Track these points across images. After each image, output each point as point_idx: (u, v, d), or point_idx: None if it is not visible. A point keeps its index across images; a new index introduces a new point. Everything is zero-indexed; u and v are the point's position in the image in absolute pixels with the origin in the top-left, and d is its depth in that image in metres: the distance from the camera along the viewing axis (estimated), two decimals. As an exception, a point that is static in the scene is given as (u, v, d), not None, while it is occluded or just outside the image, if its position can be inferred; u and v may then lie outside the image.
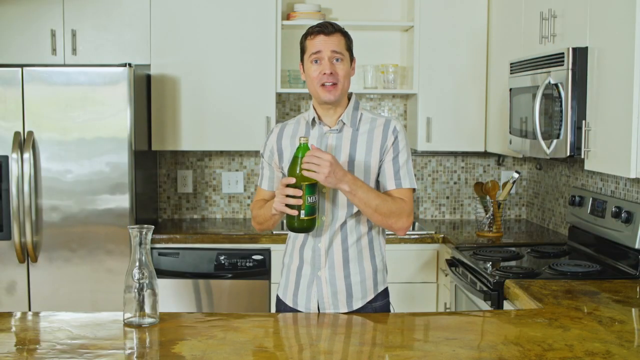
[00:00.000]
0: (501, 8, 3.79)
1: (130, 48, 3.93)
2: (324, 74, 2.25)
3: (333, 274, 2.33)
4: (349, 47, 2.31)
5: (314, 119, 2.34)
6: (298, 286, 2.38)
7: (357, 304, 2.34)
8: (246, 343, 1.89)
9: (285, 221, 2.23)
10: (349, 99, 2.37)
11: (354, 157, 2.30)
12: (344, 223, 2.31)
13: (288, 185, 2.13)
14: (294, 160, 2.15)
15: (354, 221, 2.32)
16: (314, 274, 2.35)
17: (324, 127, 2.33)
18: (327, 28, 2.27)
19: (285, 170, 2.34)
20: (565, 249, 3.32)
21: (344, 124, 2.32)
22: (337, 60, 2.26)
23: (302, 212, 2.14)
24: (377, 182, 2.34)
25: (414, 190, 2.33)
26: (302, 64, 2.35)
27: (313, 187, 2.14)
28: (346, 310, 2.33)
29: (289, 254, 2.43)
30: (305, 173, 2.12)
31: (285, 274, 2.44)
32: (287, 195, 2.12)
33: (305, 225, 2.18)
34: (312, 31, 2.28)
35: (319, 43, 2.26)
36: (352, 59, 2.33)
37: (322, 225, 2.31)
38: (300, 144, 2.14)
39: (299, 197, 2.11)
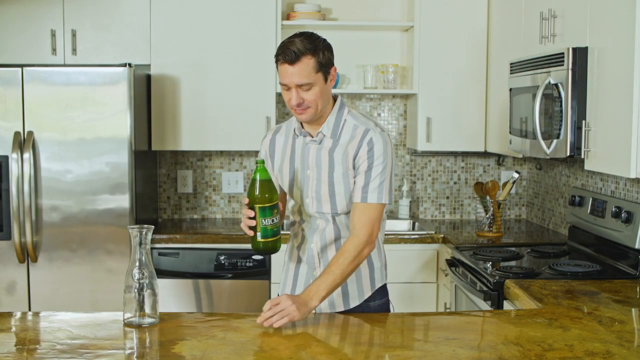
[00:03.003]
0: (501, 8, 3.79)
1: (130, 48, 3.93)
2: (293, 103, 2.18)
3: None
4: (321, 64, 2.15)
5: (295, 130, 2.31)
6: (295, 284, 2.39)
7: (354, 302, 2.33)
8: (246, 343, 1.89)
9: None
10: (334, 100, 2.30)
11: (332, 170, 2.25)
12: (333, 221, 2.29)
13: (248, 206, 2.13)
14: (252, 182, 2.13)
15: (344, 218, 2.30)
16: (310, 274, 2.35)
17: (307, 138, 2.29)
18: (290, 55, 2.10)
19: (279, 176, 2.36)
20: (565, 249, 3.32)
21: (324, 135, 2.27)
22: (305, 89, 2.15)
23: (258, 234, 2.12)
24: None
25: (385, 205, 2.23)
26: None
27: (267, 209, 2.10)
28: (342, 309, 2.32)
29: (288, 253, 2.45)
30: (277, 324, 2.04)
31: (285, 272, 2.46)
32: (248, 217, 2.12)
33: (262, 247, 2.14)
34: (278, 58, 2.15)
35: (285, 74, 2.14)
36: (327, 72, 2.18)
37: (317, 227, 2.30)
38: (257, 166, 2.12)
39: (253, 218, 2.11)
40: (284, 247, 2.50)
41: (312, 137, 2.28)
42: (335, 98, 2.31)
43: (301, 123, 2.29)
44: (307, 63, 2.12)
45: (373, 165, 2.21)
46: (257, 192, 2.11)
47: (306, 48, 2.12)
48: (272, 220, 2.12)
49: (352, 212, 2.24)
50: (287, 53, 2.12)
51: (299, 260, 2.39)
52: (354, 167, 2.23)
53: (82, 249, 3.59)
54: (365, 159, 2.21)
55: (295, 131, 2.32)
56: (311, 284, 2.15)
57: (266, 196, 2.11)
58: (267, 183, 2.12)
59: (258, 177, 2.11)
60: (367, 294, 2.34)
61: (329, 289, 2.13)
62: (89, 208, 3.58)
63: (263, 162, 2.13)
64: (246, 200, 2.12)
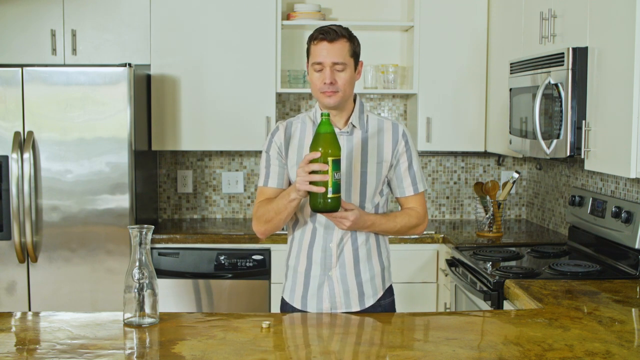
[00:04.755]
0: (501, 8, 3.79)
1: (130, 48, 3.93)
2: (324, 83, 2.23)
3: (344, 273, 2.33)
4: (354, 51, 2.27)
5: None
6: (307, 288, 2.36)
7: (369, 302, 2.36)
8: (246, 343, 1.89)
9: (309, 202, 2.13)
10: (354, 100, 2.37)
11: (366, 159, 2.31)
12: None
13: (312, 161, 2.05)
14: (317, 137, 2.08)
15: (370, 210, 2.34)
16: (325, 275, 2.33)
17: (335, 129, 2.31)
18: (330, 34, 2.21)
19: (293, 168, 2.33)
20: (565, 249, 3.32)
21: (354, 126, 2.33)
22: (338, 70, 2.23)
23: (330, 189, 2.05)
24: (384, 182, 2.37)
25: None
26: (308, 66, 2.31)
27: (338, 162, 2.07)
28: (358, 309, 2.34)
29: (294, 256, 2.40)
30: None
31: (292, 276, 2.41)
32: (311, 173, 2.05)
33: (331, 204, 2.07)
34: (316, 36, 2.24)
35: (321, 52, 2.22)
36: (357, 63, 2.29)
37: (334, 225, 2.31)
38: (322, 119, 2.08)
39: (325, 173, 2.05)
40: (282, 248, 2.50)
41: (340, 129, 2.33)
42: (354, 98, 2.38)
43: None
44: (344, 45, 2.24)
45: (412, 158, 2.38)
46: (330, 144, 2.06)
47: (345, 32, 2.26)
48: (340, 175, 2.09)
49: (406, 203, 2.40)
50: (327, 32, 2.23)
51: (310, 263, 2.35)
52: (391, 159, 2.34)
53: (82, 249, 3.59)
54: (404, 152, 2.36)
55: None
56: (376, 216, 2.30)
57: (338, 148, 2.08)
58: (335, 136, 2.09)
59: (329, 130, 2.07)
60: (380, 293, 2.38)
61: (382, 230, 2.33)
62: (89, 208, 3.58)
63: (329, 115, 2.10)
64: (316, 154, 2.05)
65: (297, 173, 2.11)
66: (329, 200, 2.07)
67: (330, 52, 2.21)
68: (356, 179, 2.30)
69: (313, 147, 2.08)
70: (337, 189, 2.07)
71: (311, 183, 2.06)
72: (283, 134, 2.37)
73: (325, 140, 2.06)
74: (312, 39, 2.25)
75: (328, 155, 2.05)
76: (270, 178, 2.36)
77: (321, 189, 2.05)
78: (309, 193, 2.10)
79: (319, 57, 2.22)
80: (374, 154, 2.32)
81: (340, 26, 2.27)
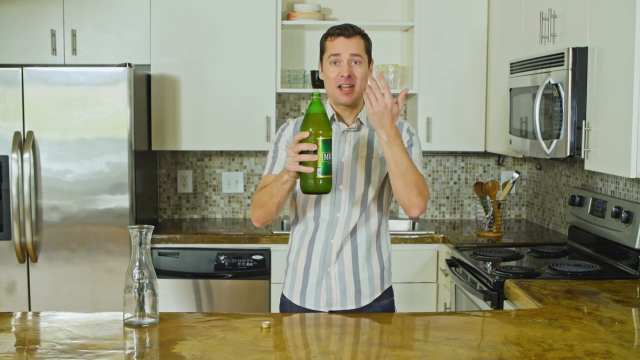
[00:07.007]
0: (501, 8, 3.79)
1: (130, 48, 3.93)
2: (342, 76, 2.26)
3: (342, 270, 2.34)
4: (368, 49, 2.33)
5: (332, 116, 2.35)
6: (306, 285, 2.38)
7: (365, 301, 2.37)
8: (246, 343, 1.89)
9: (299, 184, 2.11)
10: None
11: (371, 155, 2.34)
12: (357, 221, 2.33)
13: (301, 141, 2.04)
14: (307, 117, 2.06)
15: (365, 219, 2.35)
16: (324, 271, 2.35)
17: (342, 126, 2.35)
18: (348, 31, 2.28)
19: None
20: (565, 249, 3.32)
21: (362, 123, 2.35)
22: (355, 62, 2.27)
23: (319, 169, 2.03)
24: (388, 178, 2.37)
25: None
26: (321, 64, 2.35)
27: (328, 143, 2.04)
28: (354, 307, 2.35)
29: (294, 253, 2.42)
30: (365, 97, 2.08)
31: (291, 272, 2.43)
32: (301, 153, 2.04)
33: (322, 185, 2.05)
34: (333, 32, 2.30)
35: (339, 45, 2.27)
36: (370, 60, 2.35)
37: (337, 221, 2.32)
38: (313, 99, 2.08)
39: (314, 153, 2.02)
40: (282, 248, 2.50)
41: (348, 126, 2.35)
42: None
43: (336, 113, 2.36)
44: (360, 41, 2.30)
45: (413, 143, 2.36)
46: (320, 124, 2.04)
47: (360, 30, 2.33)
48: (331, 156, 2.05)
49: None
50: (345, 28, 2.29)
51: (309, 259, 2.38)
52: None
53: (82, 249, 3.59)
54: (407, 138, 2.36)
55: (333, 117, 2.35)
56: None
57: (328, 129, 2.05)
58: (326, 116, 2.07)
59: (319, 110, 2.05)
60: (378, 293, 2.39)
61: (401, 151, 2.14)
62: (89, 208, 3.58)
63: (320, 94, 2.09)
64: (303, 135, 2.03)
65: (287, 153, 2.10)
66: (320, 182, 2.05)
67: (348, 45, 2.26)
68: (361, 173, 2.33)
69: (303, 127, 2.07)
70: (327, 169, 2.05)
71: (301, 164, 2.05)
72: (293, 129, 2.41)
73: (315, 120, 2.05)
74: (328, 35, 2.31)
75: (318, 135, 2.03)
76: (276, 165, 2.38)
77: (310, 169, 2.03)
78: (300, 174, 2.08)
79: (336, 49, 2.27)
80: (379, 149, 2.34)
81: (352, 25, 2.34)
